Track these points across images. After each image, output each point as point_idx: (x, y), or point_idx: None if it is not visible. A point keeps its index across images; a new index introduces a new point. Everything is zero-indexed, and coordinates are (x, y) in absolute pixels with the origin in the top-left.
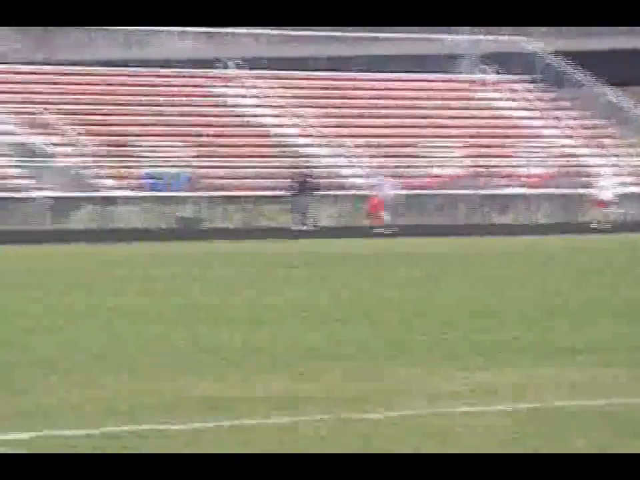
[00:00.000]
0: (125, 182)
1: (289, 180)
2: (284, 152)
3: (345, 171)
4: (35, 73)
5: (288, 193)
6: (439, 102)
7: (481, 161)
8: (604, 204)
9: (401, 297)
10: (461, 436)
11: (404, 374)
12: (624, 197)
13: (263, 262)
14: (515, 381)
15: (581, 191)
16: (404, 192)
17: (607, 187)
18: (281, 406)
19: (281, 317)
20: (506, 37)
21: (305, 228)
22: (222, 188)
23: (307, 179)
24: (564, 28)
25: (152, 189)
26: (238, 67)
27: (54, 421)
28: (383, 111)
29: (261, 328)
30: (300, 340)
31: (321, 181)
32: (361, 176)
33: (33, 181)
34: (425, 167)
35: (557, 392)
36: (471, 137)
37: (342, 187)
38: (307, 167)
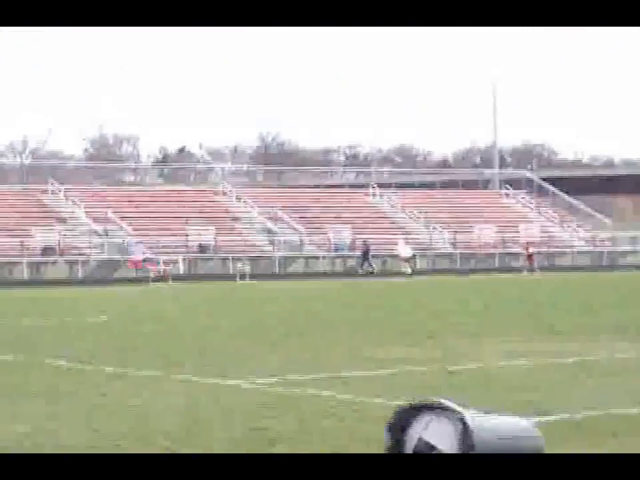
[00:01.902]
0: (321, 247)
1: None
2: (397, 229)
3: (434, 242)
4: (272, 193)
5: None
6: (482, 205)
7: (503, 234)
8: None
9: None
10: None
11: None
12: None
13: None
14: None
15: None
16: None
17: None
18: None
19: None
20: (515, 170)
21: (361, 271)
22: (357, 249)
23: (369, 247)
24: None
25: (335, 250)
26: (378, 187)
27: (293, 370)
28: (454, 208)
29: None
30: None
31: (414, 245)
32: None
33: (270, 247)
34: (472, 238)
35: None
36: (497, 221)
37: (429, 248)
38: (367, 240)
